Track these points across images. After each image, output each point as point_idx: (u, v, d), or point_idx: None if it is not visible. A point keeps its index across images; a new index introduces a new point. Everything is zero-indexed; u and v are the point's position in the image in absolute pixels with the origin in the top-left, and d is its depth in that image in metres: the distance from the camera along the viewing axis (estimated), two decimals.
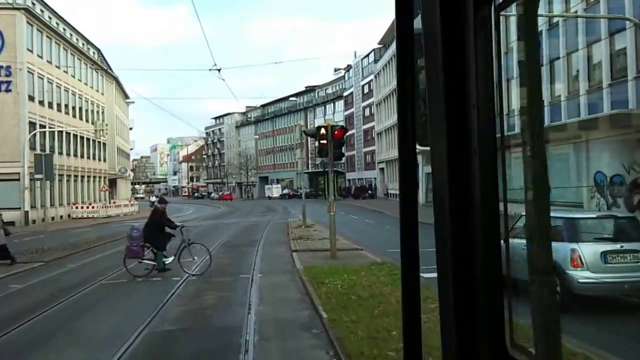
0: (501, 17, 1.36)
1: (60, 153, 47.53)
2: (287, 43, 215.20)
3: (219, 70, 22.28)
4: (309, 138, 66.78)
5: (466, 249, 1.32)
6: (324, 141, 15.61)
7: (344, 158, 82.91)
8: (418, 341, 1.37)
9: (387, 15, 65.61)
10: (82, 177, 53.36)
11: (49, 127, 44.57)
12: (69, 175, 49.51)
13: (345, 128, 16.70)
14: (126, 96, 69.26)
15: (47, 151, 44.61)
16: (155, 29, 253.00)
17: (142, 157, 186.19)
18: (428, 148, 1.41)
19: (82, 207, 49.24)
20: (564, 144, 23.19)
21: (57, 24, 50.72)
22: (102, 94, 61.16)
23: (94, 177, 56.93)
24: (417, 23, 1.38)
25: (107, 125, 47.11)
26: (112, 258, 18.15)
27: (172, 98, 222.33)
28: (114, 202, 55.77)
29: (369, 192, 65.05)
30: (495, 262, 1.32)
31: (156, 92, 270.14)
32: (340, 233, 23.67)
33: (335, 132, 15.67)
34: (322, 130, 15.63)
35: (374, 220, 34.22)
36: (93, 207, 49.87)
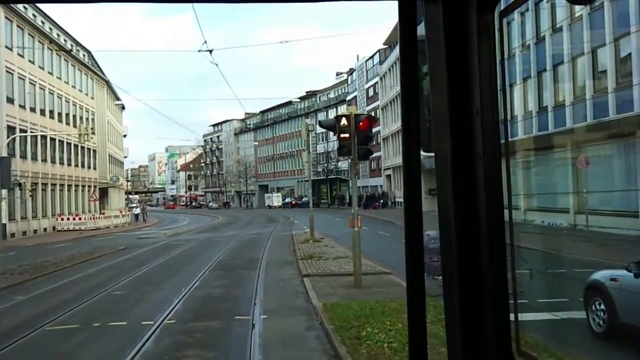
0: (504, 24, 1.37)
1: (44, 160, 43.90)
2: (290, 51, 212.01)
3: (210, 51, 18.66)
4: (309, 141, 63.08)
5: (471, 255, 1.32)
6: (346, 135, 11.96)
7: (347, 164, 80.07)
8: (424, 347, 1.34)
9: (390, 22, 62.15)
10: (70, 186, 49.63)
11: (31, 132, 40.88)
12: (54, 184, 45.80)
13: (374, 117, 13.00)
14: (117, 98, 65.36)
15: (29, 158, 41.06)
16: (159, 38, 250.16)
17: (140, 166, 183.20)
18: (432, 154, 1.40)
19: (68, 219, 45.46)
20: (608, 143, 20.54)
21: (43, 22, 47.14)
22: (92, 98, 57.55)
23: (83, 186, 53.18)
24: (421, 29, 1.35)
25: (92, 129, 43.29)
26: (76, 286, 14.47)
27: (172, 100, 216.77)
28: (104, 213, 51.99)
29: (380, 201, 59.33)
30: (501, 268, 1.33)
31: (157, 102, 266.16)
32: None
33: (360, 123, 12.02)
34: (343, 121, 11.97)
35: (388, 233, 30.57)
36: (80, 219, 46.09)
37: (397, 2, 1.34)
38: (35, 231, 41.32)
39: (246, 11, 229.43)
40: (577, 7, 20.47)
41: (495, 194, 1.33)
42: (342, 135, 11.99)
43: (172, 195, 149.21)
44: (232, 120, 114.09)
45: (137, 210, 60.34)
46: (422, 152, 1.39)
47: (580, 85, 21.92)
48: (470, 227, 1.32)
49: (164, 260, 19.52)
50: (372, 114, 69.41)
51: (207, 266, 16.92)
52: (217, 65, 34.99)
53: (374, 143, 71.32)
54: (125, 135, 79.81)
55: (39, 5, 45.25)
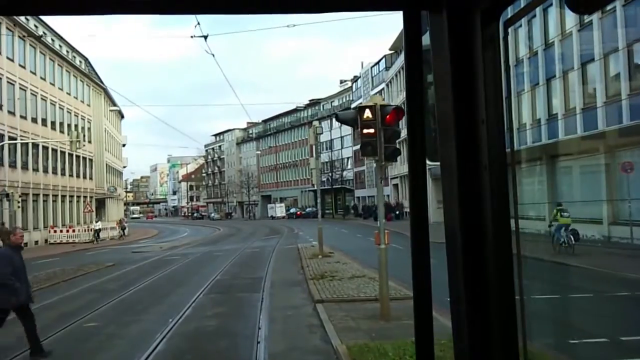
0: (509, 33, 1.37)
1: (36, 169, 41.70)
2: (297, 62, 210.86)
3: (205, 37, 16.40)
4: (312, 147, 60.78)
5: (478, 266, 1.32)
6: (370, 130, 9.67)
7: (347, 175, 76.24)
8: (431, 353, 1.33)
9: (395, 31, 60.19)
10: (64, 196, 47.36)
11: (21, 140, 38.68)
12: (46, 195, 43.55)
13: (402, 108, 10.68)
14: (113, 104, 62.95)
15: (19, 167, 38.86)
16: (165, 51, 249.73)
17: (141, 177, 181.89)
18: (438, 163, 1.40)
19: (61, 231, 43.16)
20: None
21: (36, 26, 45.11)
22: (89, 105, 55.42)
23: (78, 196, 50.91)
24: (426, 39, 1.37)
25: (84, 136, 41.08)
26: (44, 313, 12.04)
27: (173, 105, 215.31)
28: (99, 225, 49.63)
29: (396, 212, 53.47)
30: (508, 278, 1.32)
31: (156, 107, 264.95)
32: (369, 265, 17.73)
33: (387, 116, 9.74)
34: (367, 113, 9.69)
35: (401, 245, 28.09)
36: (74, 231, 43.78)
37: (402, 12, 1.34)
38: (25, 244, 38.94)
39: (252, 21, 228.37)
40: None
41: (502, 203, 1.32)
42: (365, 131, 9.70)
43: (173, 206, 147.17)
44: (234, 129, 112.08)
45: (98, 225, 45.26)
46: (427, 162, 1.38)
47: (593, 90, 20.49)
48: (477, 237, 1.31)
49: (154, 280, 17.14)
50: None
51: (201, 288, 14.57)
52: (213, 55, 32.76)
53: None
54: (124, 145, 77.64)
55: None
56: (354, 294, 12.41)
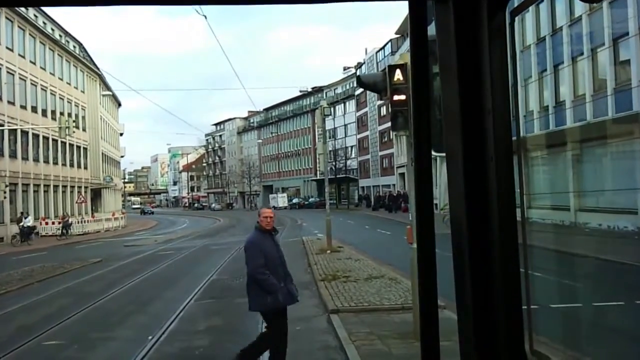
0: (516, 22, 1.36)
1: (25, 158, 39.58)
2: (302, 53, 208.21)
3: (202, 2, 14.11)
4: (316, 135, 58.47)
5: (484, 256, 1.30)
6: (401, 97, 7.50)
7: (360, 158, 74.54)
8: (436, 346, 1.29)
9: (401, 17, 57.91)
10: (56, 186, 45.30)
11: (9, 127, 36.49)
12: (37, 185, 41.48)
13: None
14: (108, 88, 60.35)
15: (6, 156, 36.71)
16: (171, 40, 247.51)
17: (142, 167, 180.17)
18: (444, 154, 1.39)
19: (53, 223, 41.05)
20: None
21: (26, 9, 42.76)
22: (83, 91, 53.16)
23: (72, 186, 48.83)
24: (431, 29, 1.34)
25: (74, 122, 38.83)
26: (2, 326, 10.00)
27: (174, 90, 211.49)
28: (94, 216, 47.59)
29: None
30: (514, 269, 1.31)
31: (167, 102, 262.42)
32: (385, 261, 15.69)
33: None
34: (397, 75, 7.50)
35: None
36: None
37: (407, 2, 1.33)
38: (13, 237, 36.95)
39: (257, 12, 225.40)
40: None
41: (508, 194, 1.31)
42: (396, 97, 7.51)
43: (174, 197, 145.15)
44: (234, 118, 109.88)
45: (29, 221, 34.95)
46: (433, 152, 1.37)
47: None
48: (483, 227, 1.30)
49: (140, 281, 15.01)
50: (384, 108, 64.78)
51: (193, 291, 12.47)
52: (205, 17, 30.43)
53: (386, 139, 66.80)
54: (122, 134, 75.37)
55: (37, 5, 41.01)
56: (375, 301, 10.25)
